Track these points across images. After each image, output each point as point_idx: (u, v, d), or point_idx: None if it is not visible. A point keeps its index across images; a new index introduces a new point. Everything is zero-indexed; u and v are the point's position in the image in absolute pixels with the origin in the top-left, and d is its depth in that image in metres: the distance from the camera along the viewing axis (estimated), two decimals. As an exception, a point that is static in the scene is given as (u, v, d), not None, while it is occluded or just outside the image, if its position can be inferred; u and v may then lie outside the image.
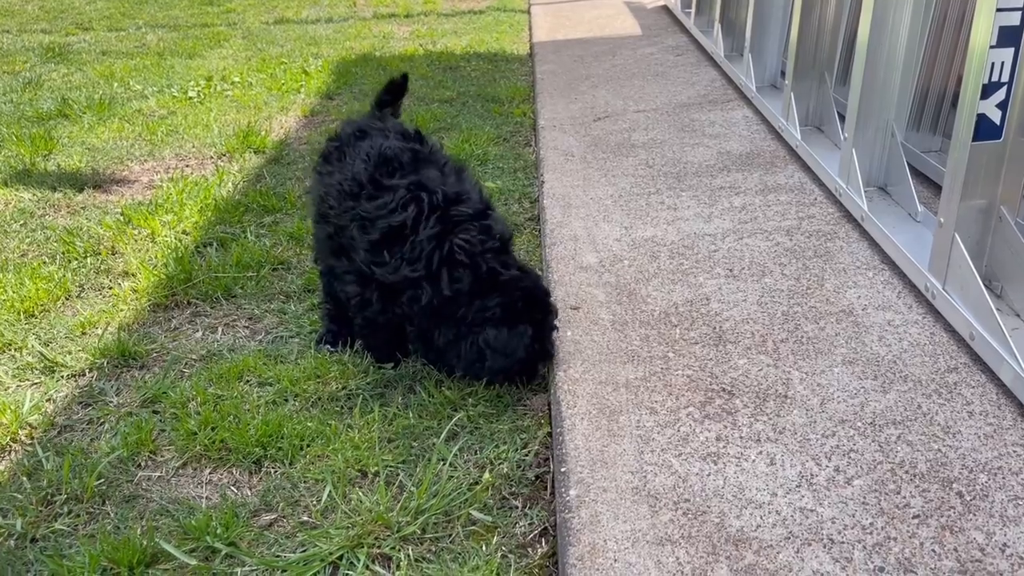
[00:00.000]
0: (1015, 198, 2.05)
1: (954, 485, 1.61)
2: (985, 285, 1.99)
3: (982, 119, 1.97)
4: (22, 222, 3.28)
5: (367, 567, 1.62)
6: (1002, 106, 1.96)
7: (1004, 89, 1.95)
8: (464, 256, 1.98)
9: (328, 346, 2.35)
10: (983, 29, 1.92)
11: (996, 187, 2.04)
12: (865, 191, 2.68)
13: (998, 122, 1.98)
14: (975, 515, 1.53)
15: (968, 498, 1.57)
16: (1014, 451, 1.68)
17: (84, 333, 2.50)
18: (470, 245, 1.99)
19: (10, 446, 2.04)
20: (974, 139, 1.99)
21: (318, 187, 2.26)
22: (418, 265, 1.98)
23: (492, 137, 4.10)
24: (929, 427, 1.77)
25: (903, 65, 2.63)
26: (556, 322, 2.14)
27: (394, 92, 2.62)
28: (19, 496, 1.86)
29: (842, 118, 2.96)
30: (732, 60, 4.51)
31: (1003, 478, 1.61)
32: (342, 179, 2.14)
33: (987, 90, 1.95)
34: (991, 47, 1.91)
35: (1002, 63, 1.93)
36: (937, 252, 2.16)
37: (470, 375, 2.12)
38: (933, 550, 1.46)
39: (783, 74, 3.77)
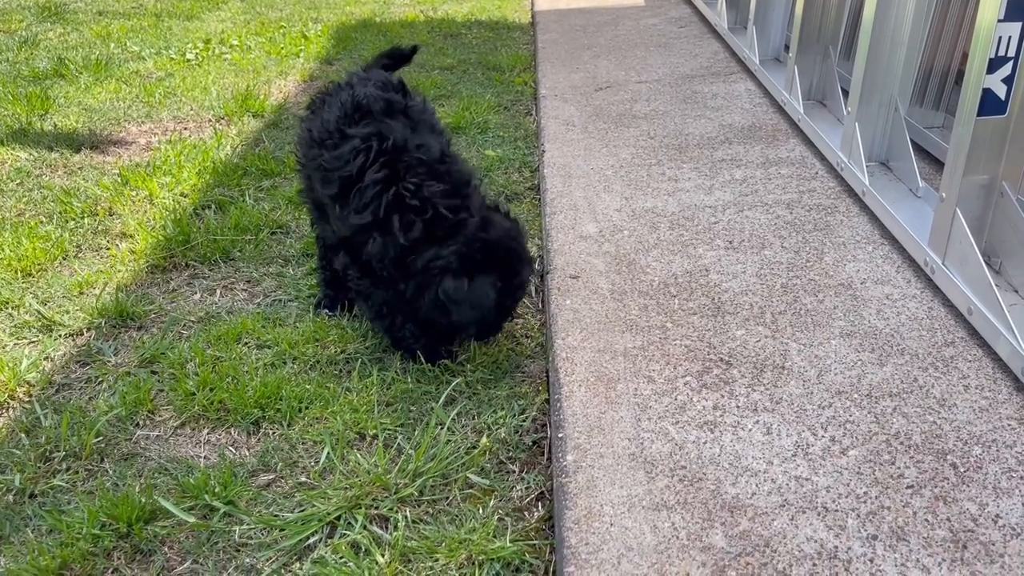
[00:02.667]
0: (1017, 174, 2.04)
1: (948, 457, 1.62)
2: (985, 261, 1.99)
3: (987, 94, 1.96)
4: (19, 181, 3.26)
5: (364, 527, 1.64)
6: (1008, 81, 1.95)
7: (1010, 64, 1.93)
8: (415, 200, 1.89)
9: (326, 310, 2.35)
10: (991, 2, 1.90)
11: (999, 163, 2.03)
12: (867, 166, 2.67)
13: (1003, 97, 1.96)
14: (968, 486, 1.55)
15: (962, 470, 1.59)
16: (1008, 424, 1.69)
17: (82, 293, 2.49)
18: (418, 189, 1.90)
19: (8, 403, 2.04)
20: (978, 114, 1.98)
21: (298, 134, 2.24)
22: (365, 212, 1.90)
23: (493, 105, 4.08)
24: (925, 400, 1.78)
25: (908, 40, 2.60)
26: (531, 278, 2.03)
27: (395, 59, 2.54)
28: (17, 452, 1.86)
29: (845, 92, 2.94)
30: (736, 32, 4.47)
31: (997, 451, 1.63)
32: (312, 126, 2.10)
33: (993, 64, 1.93)
34: (999, 20, 1.89)
35: (1009, 37, 1.91)
36: (937, 227, 2.16)
37: (436, 324, 2.02)
38: (926, 519, 1.48)
39: (787, 47, 3.74)
